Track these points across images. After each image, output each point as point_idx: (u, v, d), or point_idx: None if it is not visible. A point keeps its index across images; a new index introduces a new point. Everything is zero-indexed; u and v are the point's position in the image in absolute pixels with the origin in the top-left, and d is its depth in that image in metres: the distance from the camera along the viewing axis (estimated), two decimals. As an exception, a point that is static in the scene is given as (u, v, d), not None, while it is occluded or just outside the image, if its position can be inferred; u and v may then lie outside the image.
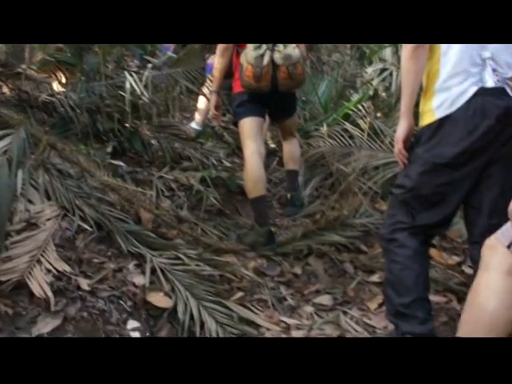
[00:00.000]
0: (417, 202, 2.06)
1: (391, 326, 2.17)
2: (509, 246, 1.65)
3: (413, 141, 2.11)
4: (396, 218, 2.12)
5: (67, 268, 2.22)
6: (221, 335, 2.13)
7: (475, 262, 2.14)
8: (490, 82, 1.92)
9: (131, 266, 2.46)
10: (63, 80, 3.89)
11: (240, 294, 2.48)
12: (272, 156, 4.23)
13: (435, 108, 1.98)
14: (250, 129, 3.08)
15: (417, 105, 2.10)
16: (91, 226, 2.54)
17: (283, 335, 2.22)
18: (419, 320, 2.03)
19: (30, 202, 2.53)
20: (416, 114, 2.09)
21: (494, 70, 1.93)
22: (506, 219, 2.01)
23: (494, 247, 1.70)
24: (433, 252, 3.07)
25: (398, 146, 2.11)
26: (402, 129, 2.10)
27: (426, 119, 2.02)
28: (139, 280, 2.36)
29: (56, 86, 3.86)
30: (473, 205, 2.07)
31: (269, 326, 2.28)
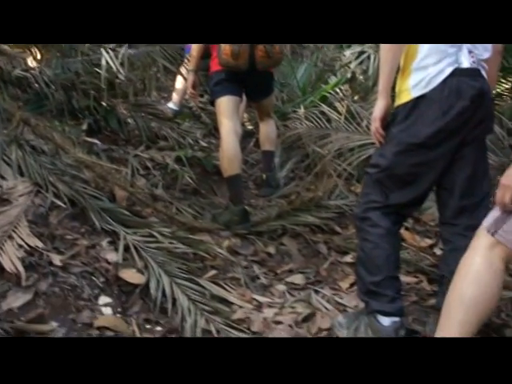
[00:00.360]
0: (390, 181, 2.08)
1: (362, 305, 2.20)
2: (493, 233, 1.68)
3: (389, 120, 2.12)
4: (370, 197, 2.13)
5: (39, 244, 2.20)
6: (192, 312, 2.14)
7: (445, 242, 2.18)
8: (466, 63, 1.94)
9: (104, 242, 2.45)
10: (38, 56, 3.82)
11: (213, 272, 2.48)
12: (249, 137, 4.23)
13: (411, 87, 1.99)
14: (227, 107, 3.08)
15: (394, 85, 2.11)
16: (65, 203, 2.51)
17: (255, 313, 2.23)
18: (389, 298, 2.06)
19: (3, 177, 2.51)
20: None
21: (469, 52, 1.95)
22: (481, 201, 2.06)
23: (480, 234, 1.74)
24: (406, 234, 3.12)
25: (375, 124, 2.12)
26: (378, 107, 2.11)
27: (402, 98, 2.03)
28: (112, 257, 2.35)
29: (31, 62, 3.79)
30: (445, 186, 2.09)
31: (241, 303, 2.29)
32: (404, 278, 2.67)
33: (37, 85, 3.49)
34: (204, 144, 3.86)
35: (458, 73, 1.93)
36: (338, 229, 3.11)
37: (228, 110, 3.08)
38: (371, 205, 2.12)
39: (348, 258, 2.80)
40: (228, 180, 3.02)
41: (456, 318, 1.69)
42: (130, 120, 3.80)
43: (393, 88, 2.11)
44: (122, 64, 3.57)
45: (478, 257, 1.69)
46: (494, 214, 1.71)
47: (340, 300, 2.40)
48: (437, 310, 2.14)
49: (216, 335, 2.06)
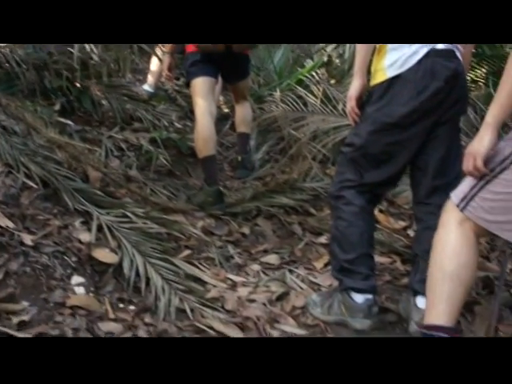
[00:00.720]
0: (365, 160, 2.09)
1: (336, 284, 2.21)
2: (462, 209, 1.70)
3: (364, 100, 2.13)
4: (344, 176, 2.14)
5: (10, 224, 2.17)
6: (166, 291, 2.13)
7: (418, 222, 2.20)
8: (441, 44, 1.95)
9: (77, 223, 2.42)
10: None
11: (187, 251, 2.48)
12: (224, 120, 4.21)
13: (387, 67, 1.99)
14: (202, 88, 3.06)
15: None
16: (37, 184, 2.48)
17: (229, 291, 2.24)
18: (362, 276, 2.08)
19: (-27, 158, 2.46)
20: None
21: None
22: (453, 181, 2.08)
23: (449, 209, 1.76)
24: (380, 217, 3.15)
25: (350, 103, 2.13)
26: (354, 87, 2.13)
27: (378, 78, 2.03)
28: (85, 237, 2.32)
29: (1, 41, 3.72)
30: (419, 166, 2.11)
31: (215, 282, 2.29)
32: (378, 259, 2.69)
33: (8, 64, 3.41)
34: (179, 126, 3.83)
35: (432, 53, 1.94)
36: (312, 210, 3.12)
37: (203, 91, 3.06)
38: (346, 183, 2.13)
39: (322, 239, 2.81)
40: (203, 161, 3.01)
41: (442, 294, 1.72)
42: (104, 101, 3.74)
43: (369, 69, 2.12)
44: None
45: (452, 232, 1.73)
46: (463, 188, 1.73)
47: (314, 279, 2.42)
48: (410, 288, 2.18)
49: (190, 314, 2.06)
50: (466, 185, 1.73)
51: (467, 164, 1.67)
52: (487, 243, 3.03)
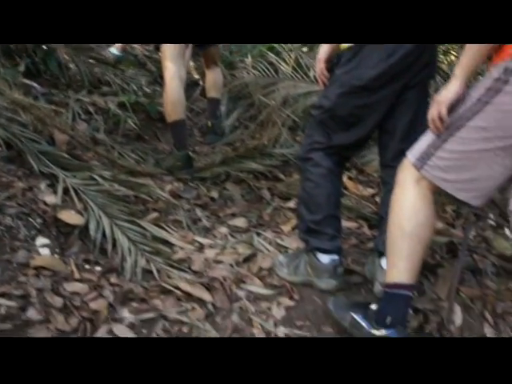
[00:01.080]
0: (333, 122, 2.08)
1: (303, 245, 2.23)
2: (419, 168, 1.71)
3: (334, 62, 2.12)
4: (313, 138, 2.14)
5: (-28, 185, 2.13)
6: (133, 252, 2.12)
7: (384, 185, 2.22)
8: None
9: (43, 185, 2.38)
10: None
11: (155, 214, 2.46)
12: (195, 86, 4.16)
13: None
14: (172, 52, 3.01)
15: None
16: (0, 146, 2.43)
17: (196, 253, 2.24)
18: (328, 236, 2.09)
19: None
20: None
21: None
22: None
23: (405, 168, 1.77)
24: (349, 184, 3.17)
25: (320, 66, 2.12)
26: (324, 49, 2.12)
27: None
28: (50, 199, 2.29)
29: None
30: (387, 129, 2.11)
31: (182, 244, 2.29)
32: (346, 223, 2.71)
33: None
34: (148, 91, 3.77)
35: None
36: (281, 176, 3.12)
37: (173, 55, 3.02)
38: (314, 145, 2.13)
39: (291, 204, 2.81)
40: (172, 125, 2.98)
41: (402, 253, 1.75)
42: (71, 64, 3.66)
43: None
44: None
45: (409, 191, 1.74)
46: (420, 147, 1.74)
47: (281, 242, 2.42)
48: (375, 250, 2.20)
49: (157, 275, 2.06)
50: (423, 143, 1.74)
51: (432, 112, 1.68)
52: (453, 211, 3.08)
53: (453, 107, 1.64)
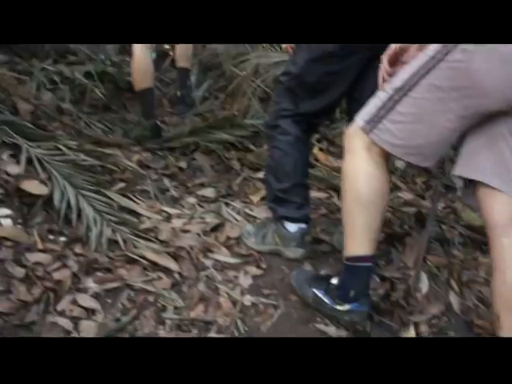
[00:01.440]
0: (301, 89, 2.06)
1: (270, 214, 2.22)
2: (368, 133, 1.64)
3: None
4: (281, 106, 2.12)
5: None
6: (98, 222, 2.09)
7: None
8: None
9: (5, 155, 2.31)
10: None
11: (122, 184, 2.42)
12: (164, 56, 4.09)
13: None
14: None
15: None
16: (-40, 115, 2.36)
17: (163, 223, 2.21)
18: (296, 205, 2.09)
19: None
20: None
21: None
22: None
23: (353, 132, 1.70)
24: (320, 155, 3.16)
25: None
26: None
27: None
28: (13, 169, 2.23)
29: None
30: (355, 97, 2.09)
31: (149, 214, 2.26)
32: (315, 194, 2.72)
33: None
34: (116, 60, 3.68)
35: None
36: (252, 147, 3.08)
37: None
38: (282, 113, 2.10)
39: (260, 174, 2.79)
40: (140, 93, 2.93)
41: (360, 224, 1.70)
42: (35, 32, 3.55)
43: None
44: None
45: (360, 159, 1.67)
46: (369, 110, 1.66)
47: (250, 212, 2.41)
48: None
49: (122, 244, 2.03)
50: (372, 106, 1.65)
51: (381, 69, 1.66)
52: (423, 183, 3.11)
53: (407, 68, 1.58)
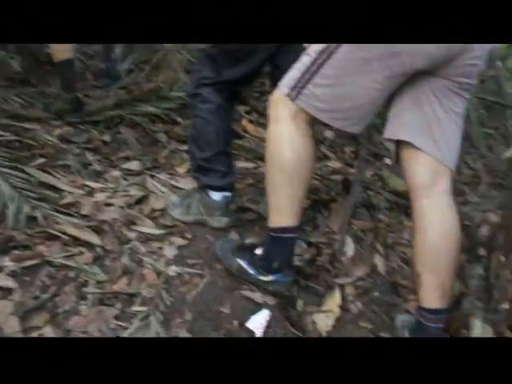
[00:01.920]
0: (222, 56, 2.02)
1: (196, 184, 2.19)
2: (293, 99, 1.60)
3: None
4: (202, 74, 2.08)
5: None
6: (16, 199, 2.01)
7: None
8: None
9: None
10: None
11: (41, 160, 2.34)
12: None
13: None
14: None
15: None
16: None
17: (85, 198, 2.15)
18: (219, 174, 2.07)
19: None
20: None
21: None
22: None
23: (277, 98, 1.65)
24: (249, 127, 3.15)
25: None
26: None
27: None
28: None
29: None
30: (277, 63, 2.08)
31: (71, 189, 2.19)
32: (243, 164, 2.71)
33: None
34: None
35: None
36: (179, 119, 3.03)
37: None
38: (203, 81, 2.07)
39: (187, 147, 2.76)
40: (59, 65, 2.79)
41: (284, 194, 1.67)
42: None
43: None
44: None
45: (285, 127, 1.63)
46: (293, 75, 1.60)
47: (176, 183, 2.38)
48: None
49: (42, 221, 1.96)
50: (296, 71, 1.60)
51: None
52: (351, 152, 3.15)
53: None
